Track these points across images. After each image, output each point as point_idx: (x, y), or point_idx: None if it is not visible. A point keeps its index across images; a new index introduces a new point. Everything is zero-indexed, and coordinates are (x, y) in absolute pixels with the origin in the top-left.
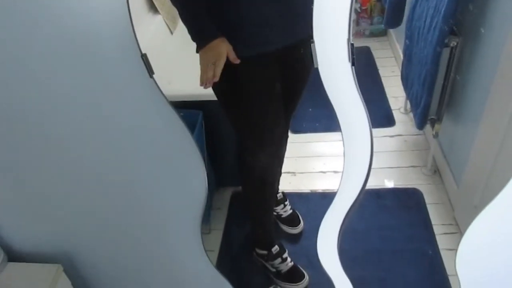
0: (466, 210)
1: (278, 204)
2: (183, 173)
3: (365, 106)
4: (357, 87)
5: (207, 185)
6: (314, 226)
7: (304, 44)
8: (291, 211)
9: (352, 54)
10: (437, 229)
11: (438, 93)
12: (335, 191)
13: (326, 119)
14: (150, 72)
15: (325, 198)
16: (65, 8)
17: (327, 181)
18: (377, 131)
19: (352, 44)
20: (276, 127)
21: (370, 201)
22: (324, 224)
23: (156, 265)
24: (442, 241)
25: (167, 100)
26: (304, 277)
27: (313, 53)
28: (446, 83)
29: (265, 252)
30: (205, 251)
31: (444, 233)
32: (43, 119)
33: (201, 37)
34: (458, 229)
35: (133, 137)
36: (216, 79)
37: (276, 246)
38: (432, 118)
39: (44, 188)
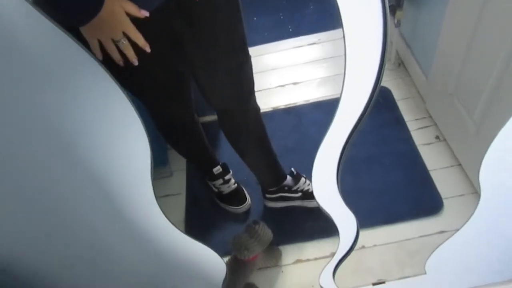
0: (439, 100)
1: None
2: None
3: None
4: None
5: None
6: (283, 146)
7: None
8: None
9: None
10: (411, 125)
11: None
12: (299, 104)
13: (274, 27)
14: None
15: (290, 114)
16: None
17: (288, 94)
18: None
19: None
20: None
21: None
22: (321, 153)
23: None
24: (417, 137)
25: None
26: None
27: None
28: None
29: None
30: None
31: (419, 128)
32: None
33: (85, 9)
34: (432, 121)
35: None
36: (147, 48)
37: (218, 167)
38: (391, 5)
39: None
